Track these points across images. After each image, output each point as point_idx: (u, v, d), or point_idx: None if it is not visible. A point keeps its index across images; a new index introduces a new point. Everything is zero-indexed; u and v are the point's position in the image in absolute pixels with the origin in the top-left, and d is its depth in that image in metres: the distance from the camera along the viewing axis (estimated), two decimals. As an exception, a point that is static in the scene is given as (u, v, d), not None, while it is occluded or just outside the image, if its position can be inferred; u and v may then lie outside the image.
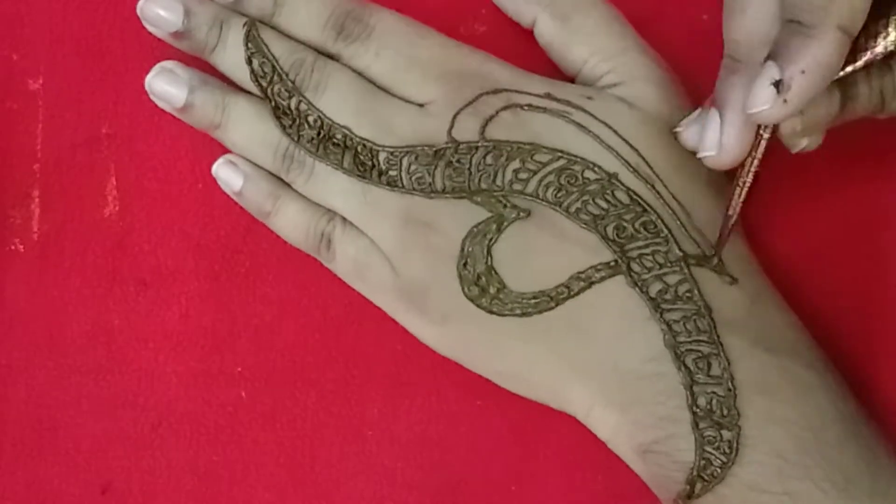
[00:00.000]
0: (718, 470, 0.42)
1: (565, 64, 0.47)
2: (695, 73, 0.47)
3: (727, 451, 0.42)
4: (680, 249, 0.43)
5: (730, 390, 0.42)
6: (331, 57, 0.47)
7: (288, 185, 0.47)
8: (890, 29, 0.39)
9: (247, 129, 0.47)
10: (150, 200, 0.50)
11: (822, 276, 0.48)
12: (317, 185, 0.47)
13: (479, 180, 0.44)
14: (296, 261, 0.49)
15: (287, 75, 0.46)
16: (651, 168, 0.44)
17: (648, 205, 0.44)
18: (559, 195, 0.44)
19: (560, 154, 0.44)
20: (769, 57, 0.38)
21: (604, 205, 0.44)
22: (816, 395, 0.42)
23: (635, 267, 0.43)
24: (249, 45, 0.46)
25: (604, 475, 0.48)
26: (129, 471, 0.49)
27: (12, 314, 0.50)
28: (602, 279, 0.43)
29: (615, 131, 0.44)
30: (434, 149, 0.45)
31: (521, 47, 0.46)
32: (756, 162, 0.42)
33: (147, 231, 0.50)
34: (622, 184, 0.44)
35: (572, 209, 0.44)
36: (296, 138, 0.46)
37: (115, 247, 0.50)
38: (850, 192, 0.48)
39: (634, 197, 0.44)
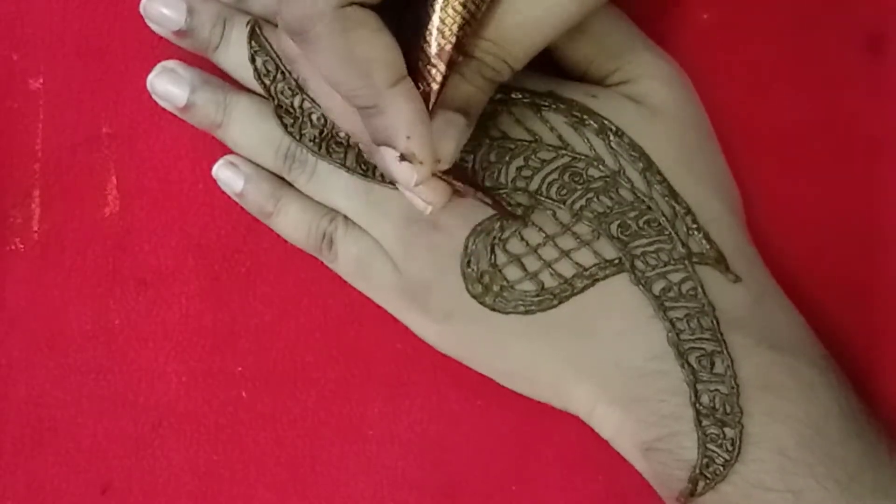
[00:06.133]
0: (721, 468, 0.42)
1: (570, 64, 0.46)
2: (695, 72, 0.47)
3: (730, 448, 0.42)
4: (684, 247, 0.43)
5: (733, 388, 0.42)
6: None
7: (289, 184, 0.47)
8: (430, 39, 0.39)
9: (248, 127, 0.47)
10: (150, 200, 0.50)
11: (822, 274, 0.48)
12: (318, 184, 0.47)
13: (483, 178, 0.44)
14: (296, 260, 0.49)
15: (290, 73, 0.46)
16: (656, 166, 0.44)
17: (653, 202, 0.44)
18: (563, 193, 0.44)
19: (564, 151, 0.44)
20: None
21: (608, 202, 0.44)
22: (819, 393, 0.42)
23: (639, 265, 0.43)
24: (253, 43, 0.46)
25: (604, 475, 0.48)
26: (129, 471, 0.49)
27: (12, 314, 0.50)
28: (606, 277, 0.43)
29: (619, 128, 0.44)
30: None
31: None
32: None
33: (147, 231, 0.50)
34: (626, 181, 0.44)
35: (576, 207, 0.44)
36: (298, 137, 0.46)
37: (115, 247, 0.50)
38: (849, 191, 0.48)
39: (639, 195, 0.44)
